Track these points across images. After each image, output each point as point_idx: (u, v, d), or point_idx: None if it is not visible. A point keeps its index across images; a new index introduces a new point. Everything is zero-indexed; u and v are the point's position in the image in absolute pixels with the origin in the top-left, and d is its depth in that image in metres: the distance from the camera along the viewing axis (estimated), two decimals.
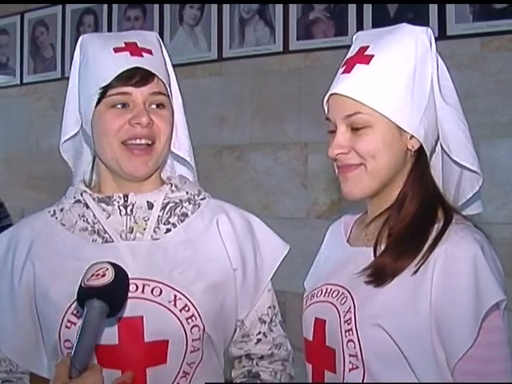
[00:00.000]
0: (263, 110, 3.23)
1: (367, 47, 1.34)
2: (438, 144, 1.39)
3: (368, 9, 2.93)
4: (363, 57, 1.33)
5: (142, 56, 1.40)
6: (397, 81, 1.31)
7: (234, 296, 1.43)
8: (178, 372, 1.35)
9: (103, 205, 1.42)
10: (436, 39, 1.37)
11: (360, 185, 1.33)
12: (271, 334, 1.49)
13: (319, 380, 1.37)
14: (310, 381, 1.41)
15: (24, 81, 4.11)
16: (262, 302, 1.48)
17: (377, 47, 1.33)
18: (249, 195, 3.23)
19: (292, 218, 3.12)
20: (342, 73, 1.35)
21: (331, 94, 1.35)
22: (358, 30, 2.91)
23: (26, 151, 4.10)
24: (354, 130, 1.31)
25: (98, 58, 1.41)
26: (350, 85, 1.32)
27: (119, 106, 1.37)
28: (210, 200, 1.50)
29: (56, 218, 1.44)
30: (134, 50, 1.41)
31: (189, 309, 1.34)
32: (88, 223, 1.41)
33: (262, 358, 1.49)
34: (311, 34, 3.10)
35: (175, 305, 1.34)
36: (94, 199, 1.43)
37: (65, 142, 1.52)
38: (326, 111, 1.39)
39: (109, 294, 1.18)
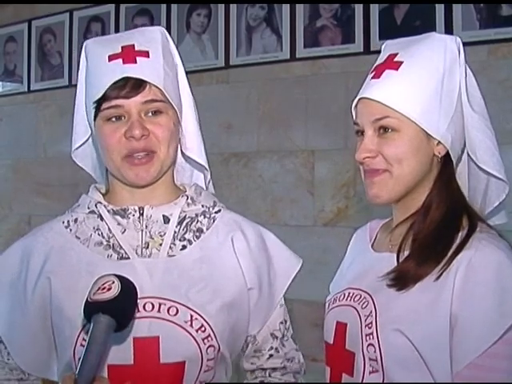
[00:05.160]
0: (270, 117, 3.24)
1: (396, 54, 1.36)
2: (465, 153, 1.40)
3: (375, 16, 2.93)
4: (392, 63, 1.35)
5: (135, 62, 1.35)
6: (425, 87, 1.32)
7: (247, 313, 1.42)
8: None
9: (118, 217, 1.39)
10: None
11: (386, 189, 1.33)
12: (283, 349, 1.47)
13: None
14: None
15: (31, 88, 4.13)
16: (273, 317, 1.46)
17: (406, 54, 1.35)
18: (256, 202, 3.23)
19: (299, 225, 3.12)
20: (372, 78, 1.36)
21: (360, 99, 1.36)
22: (364, 38, 2.97)
23: (34, 158, 4.11)
24: (382, 134, 1.32)
25: (94, 67, 1.39)
26: (380, 89, 1.33)
27: (114, 119, 1.35)
28: (225, 213, 1.47)
29: (70, 230, 1.41)
30: (128, 55, 1.36)
31: (205, 329, 1.32)
32: (103, 237, 1.39)
33: (274, 370, 1.48)
34: (318, 41, 3.10)
35: (191, 325, 1.31)
36: (108, 211, 1.40)
37: (76, 149, 1.49)
38: (354, 116, 1.39)
39: (115, 309, 1.14)
